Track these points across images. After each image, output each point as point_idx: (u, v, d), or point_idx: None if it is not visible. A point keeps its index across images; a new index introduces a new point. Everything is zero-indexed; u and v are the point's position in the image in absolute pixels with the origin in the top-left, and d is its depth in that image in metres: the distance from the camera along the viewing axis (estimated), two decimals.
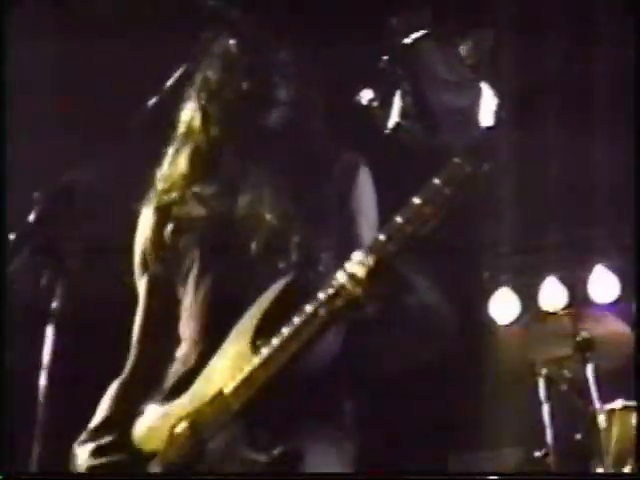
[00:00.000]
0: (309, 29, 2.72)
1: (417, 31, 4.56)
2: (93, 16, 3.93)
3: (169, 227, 2.26)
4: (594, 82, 5.52)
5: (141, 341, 2.31)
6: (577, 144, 5.91)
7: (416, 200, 1.91)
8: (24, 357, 1.61)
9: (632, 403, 4.12)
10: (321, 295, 1.93)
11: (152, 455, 2.05)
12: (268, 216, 2.14)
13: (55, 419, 1.74)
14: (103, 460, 2.09)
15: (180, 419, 2.03)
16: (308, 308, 1.94)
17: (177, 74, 2.03)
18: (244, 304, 2.05)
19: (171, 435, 2.03)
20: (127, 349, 2.28)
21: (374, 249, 1.92)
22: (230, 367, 2.00)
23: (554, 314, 4.67)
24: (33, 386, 1.69)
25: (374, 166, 2.42)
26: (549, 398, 4.42)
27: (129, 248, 2.33)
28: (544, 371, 4.40)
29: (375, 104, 4.23)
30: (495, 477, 3.60)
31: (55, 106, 4.27)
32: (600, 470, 3.97)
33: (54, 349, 1.61)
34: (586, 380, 4.23)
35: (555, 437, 4.32)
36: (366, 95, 4.25)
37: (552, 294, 6.29)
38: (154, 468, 2.03)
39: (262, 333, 1.99)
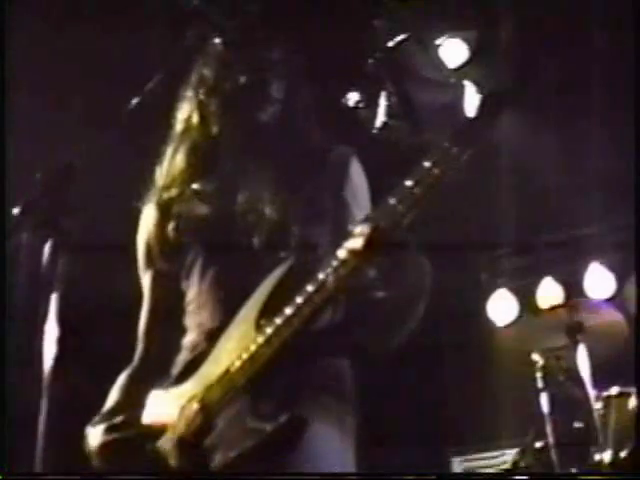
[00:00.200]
0: (295, 33, 2.83)
1: (400, 34, 4.71)
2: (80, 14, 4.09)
3: (171, 224, 2.38)
4: (589, 78, 5.61)
5: (148, 333, 2.43)
6: (571, 141, 6.04)
7: (408, 182, 2.02)
8: (28, 332, 1.71)
9: (628, 389, 4.22)
10: (321, 275, 2.06)
11: (161, 432, 2.17)
12: (267, 210, 2.26)
13: (60, 403, 1.84)
14: (114, 436, 2.21)
15: (189, 399, 2.16)
16: (309, 288, 2.06)
17: (167, 68, 2.14)
18: (248, 292, 2.18)
19: (181, 413, 2.15)
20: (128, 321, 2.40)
21: (368, 227, 2.03)
22: (236, 348, 2.13)
23: (550, 308, 4.77)
24: (37, 363, 1.79)
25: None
26: (546, 388, 4.52)
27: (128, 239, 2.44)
28: (540, 361, 4.51)
29: (362, 105, 4.38)
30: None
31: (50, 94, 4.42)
32: (599, 456, 4.07)
33: (59, 325, 1.71)
34: (582, 368, 4.33)
35: (554, 426, 4.41)
36: (353, 97, 4.40)
37: (549, 293, 6.40)
38: (165, 444, 2.15)
39: (266, 314, 2.12)
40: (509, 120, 6.29)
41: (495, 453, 5.50)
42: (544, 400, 4.51)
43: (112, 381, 2.37)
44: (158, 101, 2.03)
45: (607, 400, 4.29)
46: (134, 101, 1.99)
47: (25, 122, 4.26)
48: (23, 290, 1.70)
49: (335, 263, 2.05)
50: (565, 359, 4.55)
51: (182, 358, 2.31)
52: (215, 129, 2.37)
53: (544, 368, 4.56)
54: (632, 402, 4.18)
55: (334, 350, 2.26)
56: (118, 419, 2.23)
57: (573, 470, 4.22)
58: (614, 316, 4.66)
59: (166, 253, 2.39)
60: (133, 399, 2.29)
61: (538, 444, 4.50)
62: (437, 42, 5.04)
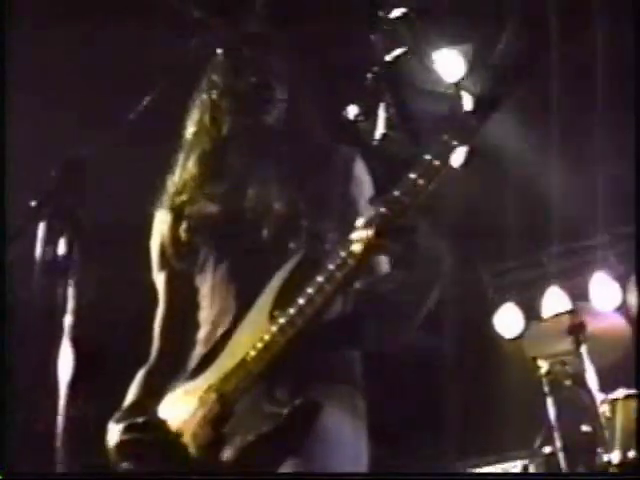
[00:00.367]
0: (294, 51, 2.93)
1: (397, 49, 4.86)
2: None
3: (183, 225, 2.49)
4: (591, 90, 5.71)
5: (164, 330, 2.54)
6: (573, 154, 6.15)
7: (412, 175, 2.14)
8: (42, 320, 1.81)
9: (634, 391, 4.32)
10: (330, 266, 2.17)
11: (180, 430, 2.27)
12: (276, 205, 2.38)
13: (78, 392, 1.93)
14: (133, 436, 2.31)
15: (207, 390, 2.27)
16: (319, 279, 2.17)
17: (171, 77, 2.26)
18: (260, 284, 2.30)
19: (198, 405, 2.26)
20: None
21: (375, 218, 2.13)
22: (250, 339, 2.24)
23: (554, 315, 4.87)
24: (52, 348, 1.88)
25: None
26: (553, 394, 4.61)
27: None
28: (545, 366, 4.60)
29: (361, 118, 4.52)
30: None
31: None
32: (607, 457, 4.15)
33: (74, 315, 1.81)
34: (587, 373, 4.42)
35: (562, 431, 4.51)
36: (352, 110, 4.54)
37: (554, 302, 6.49)
38: (185, 435, 2.25)
39: (278, 305, 2.24)
40: (514, 134, 6.42)
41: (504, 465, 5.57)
42: (551, 406, 4.61)
43: (124, 380, 2.47)
44: (165, 110, 2.14)
45: (613, 403, 4.39)
46: (140, 110, 2.10)
47: (30, 125, 4.41)
48: (39, 281, 1.80)
49: (344, 254, 2.15)
50: (570, 364, 4.64)
51: (197, 352, 2.42)
52: (223, 133, 2.50)
53: (550, 374, 4.65)
54: (637, 403, 4.27)
55: (344, 338, 2.36)
56: (139, 419, 2.33)
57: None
58: (617, 320, 4.77)
59: (180, 253, 2.51)
60: (152, 394, 2.40)
61: (547, 449, 4.59)
62: (434, 56, 5.20)
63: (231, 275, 2.40)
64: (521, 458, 4.90)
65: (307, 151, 2.51)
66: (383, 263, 2.36)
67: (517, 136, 6.27)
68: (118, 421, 2.38)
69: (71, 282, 1.77)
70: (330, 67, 3.98)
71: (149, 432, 2.32)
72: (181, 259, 2.52)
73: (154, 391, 2.41)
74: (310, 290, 2.18)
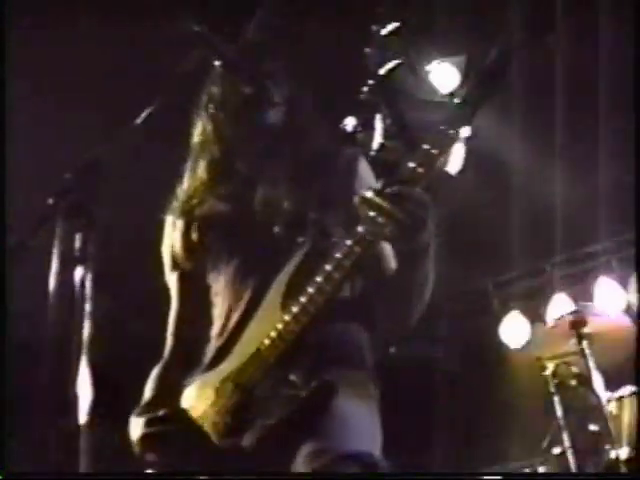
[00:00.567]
0: (290, 67, 3.04)
1: (391, 61, 5.01)
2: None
3: (194, 226, 2.60)
4: (592, 97, 5.82)
5: (178, 327, 2.64)
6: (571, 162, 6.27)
7: (411, 164, 2.24)
8: (59, 319, 1.93)
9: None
10: (338, 254, 2.27)
11: (202, 420, 2.36)
12: (285, 203, 2.48)
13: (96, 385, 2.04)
14: (156, 429, 2.40)
15: (223, 380, 2.37)
16: (328, 267, 2.27)
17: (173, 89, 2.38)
18: (271, 278, 2.41)
19: (217, 395, 2.36)
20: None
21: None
22: (264, 329, 2.34)
23: (558, 317, 4.98)
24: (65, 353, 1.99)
25: None
26: (559, 394, 4.72)
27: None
28: (551, 367, 4.71)
29: (359, 129, 4.67)
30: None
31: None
32: (614, 453, 4.25)
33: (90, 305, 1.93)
34: (593, 373, 4.52)
35: (570, 431, 4.61)
36: (350, 123, 4.69)
37: (559, 309, 6.59)
38: (205, 432, 2.34)
39: (290, 295, 2.34)
40: (515, 142, 6.52)
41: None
42: (557, 405, 4.72)
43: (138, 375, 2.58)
44: (169, 120, 2.27)
45: (620, 401, 4.49)
46: (143, 121, 2.23)
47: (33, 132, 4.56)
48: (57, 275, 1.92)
49: (350, 242, 2.25)
50: (576, 365, 4.74)
51: (212, 346, 2.51)
52: (229, 138, 2.61)
53: (555, 374, 4.76)
54: None
55: (355, 323, 2.48)
56: (160, 412, 2.43)
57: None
58: (621, 320, 4.88)
59: (191, 253, 2.61)
60: (169, 389, 2.49)
61: (556, 450, 4.68)
62: (428, 67, 5.35)
63: (242, 271, 2.50)
64: (530, 461, 5.00)
65: (312, 152, 2.61)
66: (388, 250, 2.45)
67: (518, 146, 6.41)
68: (139, 415, 2.48)
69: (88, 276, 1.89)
70: (327, 81, 4.12)
71: (171, 423, 2.41)
72: (193, 259, 2.61)
73: (171, 385, 2.50)
74: (319, 279, 2.28)
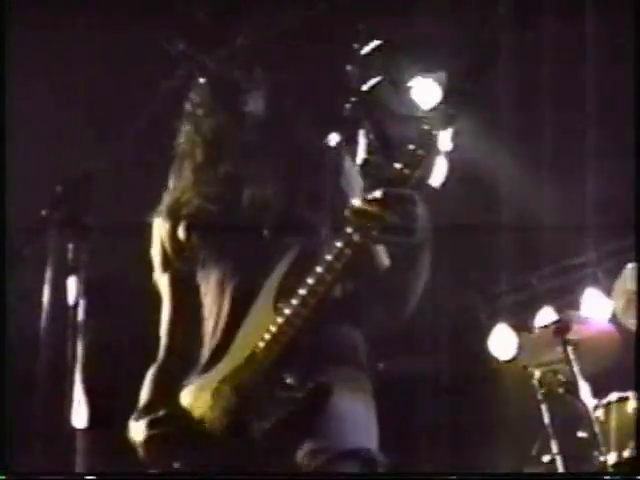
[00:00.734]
0: (272, 85, 3.11)
1: (372, 78, 5.12)
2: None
3: (182, 226, 2.66)
4: (577, 110, 5.91)
5: (170, 328, 2.70)
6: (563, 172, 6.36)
7: (397, 165, 2.35)
8: (51, 327, 1.99)
9: (626, 394, 4.50)
10: (328, 256, 2.34)
11: (200, 422, 2.43)
12: (272, 202, 2.56)
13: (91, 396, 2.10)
14: (158, 431, 2.46)
15: (220, 383, 2.42)
16: (319, 269, 2.34)
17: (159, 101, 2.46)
18: (261, 279, 2.47)
19: (214, 399, 2.42)
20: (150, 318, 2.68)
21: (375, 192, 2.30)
22: (258, 331, 2.40)
23: (543, 325, 5.07)
24: (58, 362, 2.05)
25: None
26: (547, 402, 4.80)
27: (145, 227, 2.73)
28: (537, 374, 4.79)
29: (342, 145, 4.75)
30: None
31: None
32: (603, 458, 4.33)
33: (83, 318, 2.01)
34: (579, 380, 4.60)
35: (558, 438, 4.68)
36: (334, 138, 4.78)
37: (545, 319, 6.66)
38: (205, 433, 2.40)
39: (281, 297, 2.41)
40: (499, 155, 6.60)
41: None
42: (545, 414, 4.79)
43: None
44: (157, 128, 2.34)
45: (607, 407, 4.57)
46: (133, 130, 2.31)
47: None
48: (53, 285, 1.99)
49: (340, 244, 2.33)
50: (562, 373, 4.82)
51: (206, 348, 2.57)
52: (213, 141, 2.69)
53: (542, 383, 4.83)
54: (631, 405, 4.46)
55: (347, 322, 2.54)
56: (159, 413, 2.49)
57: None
58: (606, 327, 4.97)
59: (180, 253, 2.68)
60: (165, 391, 2.56)
61: (545, 458, 4.76)
62: (409, 83, 5.44)
63: (231, 271, 2.56)
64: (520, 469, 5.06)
65: (298, 150, 2.70)
66: (381, 251, 2.52)
67: (502, 159, 6.51)
68: (138, 419, 2.53)
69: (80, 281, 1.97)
70: (309, 96, 4.22)
71: (173, 424, 2.46)
72: (182, 259, 2.68)
73: (166, 388, 2.57)
74: (311, 281, 2.35)
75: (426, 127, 2.34)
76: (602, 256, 7.16)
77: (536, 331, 5.34)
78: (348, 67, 4.89)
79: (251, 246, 2.56)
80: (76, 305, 1.96)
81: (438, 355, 7.08)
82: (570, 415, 4.84)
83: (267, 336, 2.38)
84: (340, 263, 2.32)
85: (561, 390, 4.82)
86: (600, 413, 4.55)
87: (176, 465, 2.40)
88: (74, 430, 1.96)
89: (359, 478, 2.39)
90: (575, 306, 6.83)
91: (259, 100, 2.66)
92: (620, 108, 5.19)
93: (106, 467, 2.30)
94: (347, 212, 2.38)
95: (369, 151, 4.79)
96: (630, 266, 4.82)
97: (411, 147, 2.34)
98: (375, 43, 5.00)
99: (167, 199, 2.73)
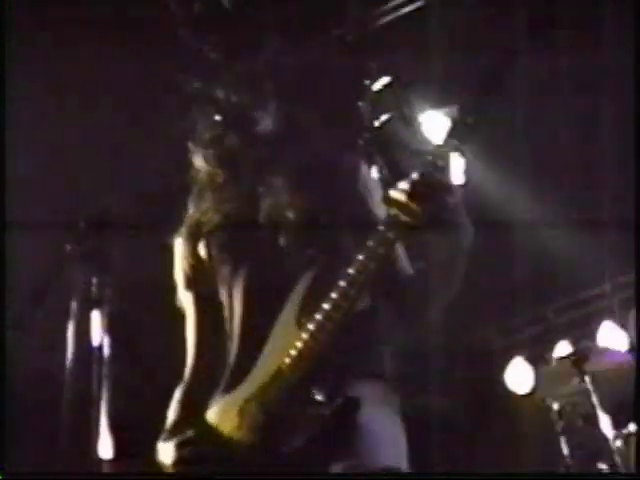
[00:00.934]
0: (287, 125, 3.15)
1: (384, 114, 5.20)
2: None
3: (202, 243, 2.68)
4: (590, 143, 5.94)
5: (196, 347, 2.70)
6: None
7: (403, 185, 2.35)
8: (75, 358, 2.03)
9: None
10: (350, 270, 2.34)
11: (229, 442, 2.41)
12: (289, 214, 2.56)
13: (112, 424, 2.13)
14: (187, 451, 2.44)
15: (246, 402, 2.41)
16: (342, 283, 2.34)
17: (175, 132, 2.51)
18: (282, 293, 2.47)
19: (240, 417, 2.40)
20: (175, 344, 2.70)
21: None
22: (283, 348, 2.39)
23: (560, 357, 5.08)
24: (82, 392, 2.08)
25: None
26: (566, 434, 4.80)
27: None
28: (555, 406, 4.79)
29: (359, 153, 4.79)
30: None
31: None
32: None
33: (108, 349, 2.05)
34: (597, 410, 4.60)
35: (578, 469, 4.67)
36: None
37: (562, 351, 6.66)
38: (234, 452, 2.38)
39: (305, 313, 2.40)
40: (513, 188, 6.60)
41: None
42: (564, 446, 4.78)
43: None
44: (175, 156, 2.38)
45: (627, 437, 4.57)
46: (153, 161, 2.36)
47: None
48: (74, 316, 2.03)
49: (362, 257, 2.33)
50: (581, 404, 4.82)
51: (231, 366, 2.55)
52: (230, 161, 2.70)
53: (561, 415, 4.83)
54: None
55: (374, 336, 2.53)
56: (187, 434, 2.47)
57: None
58: (623, 357, 4.98)
59: (202, 271, 2.69)
60: (192, 411, 2.55)
61: None
62: (420, 118, 5.52)
63: (253, 286, 2.56)
64: None
65: (313, 161, 2.67)
66: (404, 260, 2.53)
67: (517, 191, 6.55)
68: (167, 440, 2.52)
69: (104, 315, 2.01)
70: (322, 136, 4.28)
71: (201, 445, 2.45)
72: (204, 276, 2.68)
73: (193, 408, 2.56)
74: (334, 295, 2.34)
75: (430, 158, 2.36)
76: (617, 287, 7.18)
77: (553, 363, 5.33)
78: (360, 103, 4.99)
79: (271, 261, 2.56)
80: (100, 337, 2.00)
81: (454, 389, 7.08)
82: (590, 446, 4.83)
83: (293, 352, 2.37)
84: (363, 276, 2.33)
85: (580, 422, 4.81)
86: (620, 443, 4.55)
87: None
88: (101, 461, 1.99)
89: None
90: (591, 338, 6.84)
91: (272, 119, 2.68)
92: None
93: None
94: (377, 206, 2.44)
95: (383, 186, 4.85)
96: None
97: (415, 176, 2.35)
98: (386, 80, 5.09)
99: (188, 221, 2.76)
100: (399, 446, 2.43)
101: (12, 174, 4.57)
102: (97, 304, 2.04)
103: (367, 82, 5.28)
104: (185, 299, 2.77)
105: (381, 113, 5.10)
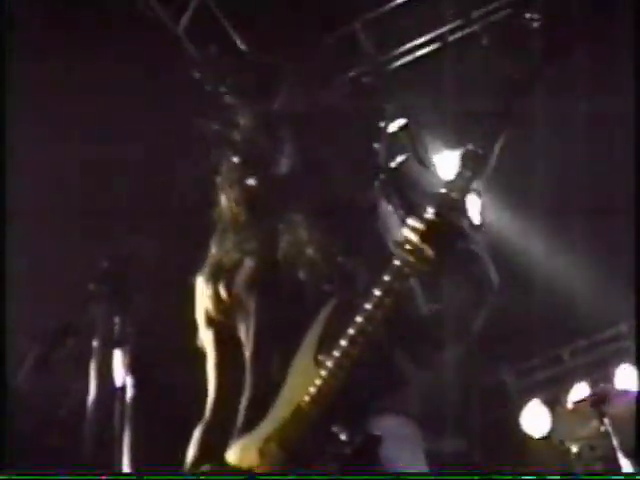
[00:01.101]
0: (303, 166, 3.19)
1: (399, 155, 5.24)
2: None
3: (222, 282, 2.70)
4: (607, 180, 5.94)
5: (216, 387, 2.71)
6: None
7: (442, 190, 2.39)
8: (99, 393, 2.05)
9: None
10: (368, 305, 2.35)
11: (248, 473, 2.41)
12: (308, 250, 2.58)
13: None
14: None
15: (266, 441, 2.40)
16: (359, 319, 2.35)
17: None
18: (301, 328, 2.47)
19: (261, 456, 2.40)
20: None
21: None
22: (302, 386, 2.39)
23: (578, 400, 5.07)
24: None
25: None
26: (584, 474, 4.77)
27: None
28: (574, 449, 4.77)
29: (378, 190, 4.80)
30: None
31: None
32: None
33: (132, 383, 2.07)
34: (617, 453, 4.58)
35: None
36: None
37: (580, 394, 6.63)
38: None
39: (323, 350, 2.40)
40: (530, 228, 6.59)
41: None
42: None
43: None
44: (196, 198, 2.41)
45: None
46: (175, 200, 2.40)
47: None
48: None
49: (379, 292, 2.35)
50: (599, 447, 4.80)
51: (249, 404, 2.55)
52: (249, 202, 2.73)
53: (580, 458, 4.81)
54: None
55: (395, 372, 2.52)
56: (206, 468, 2.49)
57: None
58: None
59: (222, 310, 2.71)
60: (212, 450, 2.56)
61: None
62: (435, 159, 5.57)
63: (271, 323, 2.58)
64: None
65: (333, 197, 2.71)
66: (419, 300, 2.54)
67: (533, 231, 6.56)
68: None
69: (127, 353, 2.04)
70: (340, 175, 4.35)
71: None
72: (224, 315, 2.71)
73: (213, 447, 2.56)
74: (352, 331, 2.35)
75: (443, 190, 2.39)
76: (634, 328, 7.15)
77: (572, 405, 5.32)
78: (375, 145, 5.04)
79: (290, 297, 2.58)
80: (123, 377, 2.03)
81: (470, 431, 7.04)
82: None
83: (312, 389, 2.37)
84: (380, 312, 2.35)
85: (599, 465, 4.79)
86: None
87: None
88: None
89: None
90: (609, 380, 6.81)
91: (289, 160, 2.71)
92: None
93: None
94: (392, 246, 2.43)
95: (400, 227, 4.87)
96: None
97: (430, 212, 2.38)
98: (401, 121, 5.14)
99: (210, 260, 2.78)
100: None
101: (36, 210, 4.63)
102: (119, 343, 2.07)
103: (382, 124, 5.34)
104: (206, 338, 2.79)
105: (396, 154, 5.16)
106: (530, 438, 7.00)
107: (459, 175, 2.40)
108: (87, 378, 2.09)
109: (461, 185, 2.38)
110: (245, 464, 2.44)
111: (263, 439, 2.42)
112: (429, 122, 5.72)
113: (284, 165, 2.70)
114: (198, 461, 2.59)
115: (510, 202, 6.16)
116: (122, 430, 2.04)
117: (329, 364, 2.37)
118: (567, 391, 6.96)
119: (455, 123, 5.65)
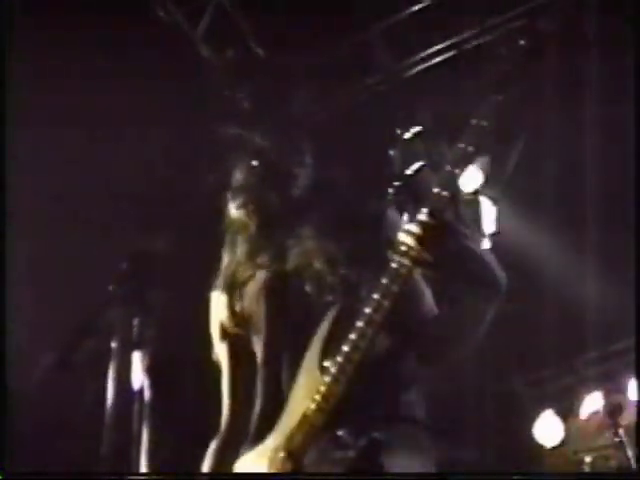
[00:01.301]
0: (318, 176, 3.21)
1: (415, 163, 5.25)
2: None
3: (236, 295, 2.75)
4: (622, 190, 5.95)
5: (231, 400, 2.75)
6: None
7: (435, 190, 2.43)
8: (118, 396, 2.07)
9: None
10: (367, 309, 2.38)
11: None
12: (316, 263, 2.62)
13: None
14: None
15: (274, 451, 2.44)
16: (360, 324, 2.38)
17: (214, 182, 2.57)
18: (306, 340, 2.51)
19: (270, 466, 2.43)
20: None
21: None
22: (307, 393, 2.43)
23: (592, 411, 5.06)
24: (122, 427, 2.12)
25: None
26: None
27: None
28: (588, 459, 4.76)
29: (387, 201, 4.83)
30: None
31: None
32: None
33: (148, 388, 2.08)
34: (632, 463, 4.57)
35: None
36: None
37: (593, 405, 6.62)
38: None
39: (327, 356, 2.44)
40: (544, 238, 6.59)
41: None
42: None
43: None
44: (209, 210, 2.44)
45: None
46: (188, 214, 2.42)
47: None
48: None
49: (377, 296, 2.37)
50: (613, 458, 4.79)
51: (261, 415, 2.60)
52: (262, 209, 2.74)
53: (594, 469, 4.80)
54: None
55: (401, 377, 2.56)
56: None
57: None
58: None
59: (236, 323, 2.75)
60: (226, 463, 2.60)
61: None
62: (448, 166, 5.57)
63: (281, 335, 2.62)
64: None
65: (341, 210, 2.74)
66: (424, 297, 2.57)
67: (547, 241, 6.55)
68: None
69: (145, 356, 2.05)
70: (356, 182, 4.36)
71: None
72: (238, 327, 2.75)
73: (228, 460, 2.60)
74: (353, 336, 2.38)
75: (447, 167, 2.42)
76: None
77: (585, 416, 5.31)
78: (391, 152, 5.06)
79: (296, 308, 2.62)
80: (141, 380, 2.04)
81: (482, 441, 7.03)
82: None
83: (317, 397, 2.41)
84: (379, 315, 2.37)
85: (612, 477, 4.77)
86: None
87: None
88: None
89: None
90: (622, 390, 6.80)
91: (305, 169, 2.73)
92: None
93: None
94: (388, 249, 2.46)
95: None
96: None
97: (436, 190, 2.41)
98: (417, 128, 5.15)
99: (224, 272, 2.81)
100: None
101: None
102: (138, 345, 2.08)
103: (398, 131, 5.36)
104: (220, 351, 2.83)
105: (412, 162, 5.18)
106: (543, 448, 6.99)
107: (460, 149, 2.42)
108: (105, 380, 2.11)
109: (461, 160, 2.40)
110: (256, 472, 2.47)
111: (272, 449, 2.46)
112: (444, 130, 5.73)
113: (304, 178, 2.73)
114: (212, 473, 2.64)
115: (526, 211, 6.16)
116: (139, 432, 2.06)
117: (333, 370, 2.40)
118: (580, 402, 6.96)
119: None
